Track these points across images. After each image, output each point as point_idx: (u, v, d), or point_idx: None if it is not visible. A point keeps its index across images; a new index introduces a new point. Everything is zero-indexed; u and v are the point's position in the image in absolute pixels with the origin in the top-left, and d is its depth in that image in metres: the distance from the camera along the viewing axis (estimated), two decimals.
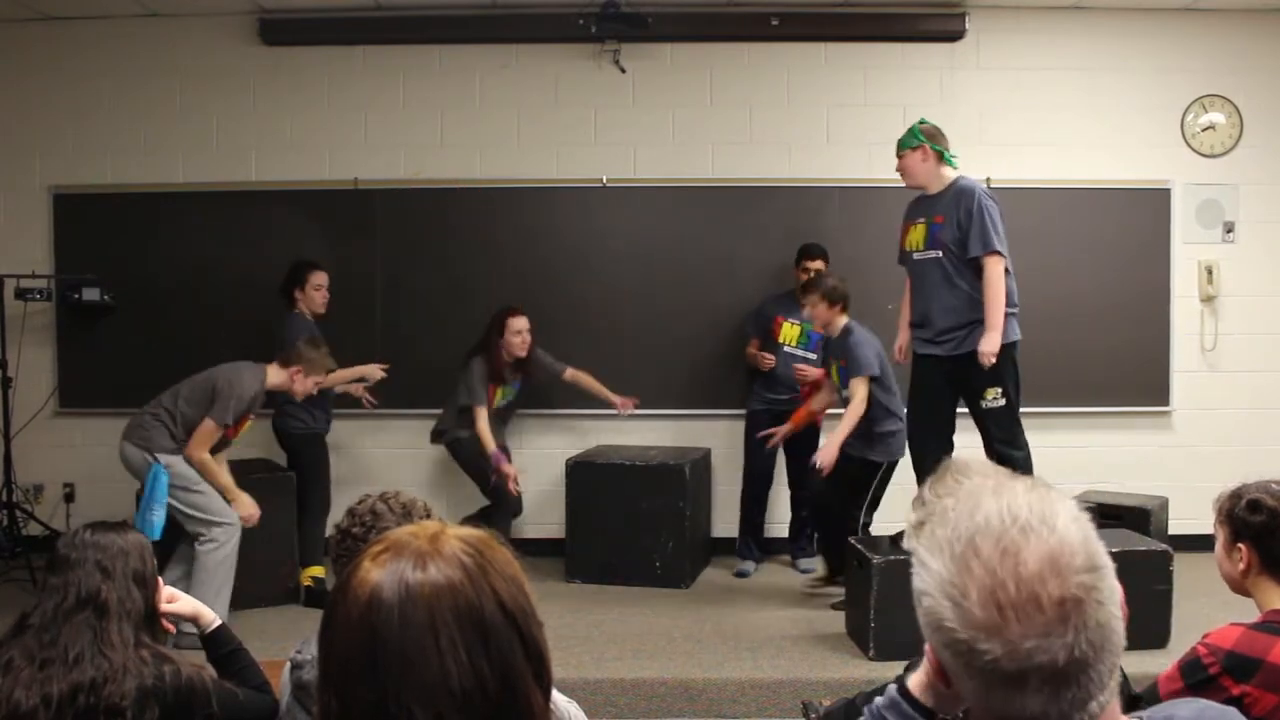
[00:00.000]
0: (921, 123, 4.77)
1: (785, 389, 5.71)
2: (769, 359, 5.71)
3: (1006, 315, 4.53)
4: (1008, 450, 4.57)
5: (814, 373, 5.45)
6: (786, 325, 5.76)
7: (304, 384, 4.93)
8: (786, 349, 5.73)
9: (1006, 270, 4.54)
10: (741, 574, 5.81)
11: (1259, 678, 2.04)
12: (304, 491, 5.48)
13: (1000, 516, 0.94)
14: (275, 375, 4.89)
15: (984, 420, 4.63)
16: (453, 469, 5.92)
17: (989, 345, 4.45)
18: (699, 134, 6.24)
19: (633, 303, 6.17)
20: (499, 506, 5.66)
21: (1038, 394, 6.12)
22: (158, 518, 4.57)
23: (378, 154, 6.23)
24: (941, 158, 4.70)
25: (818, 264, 5.66)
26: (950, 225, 4.59)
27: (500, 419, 5.83)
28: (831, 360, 5.25)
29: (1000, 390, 4.56)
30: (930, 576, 0.95)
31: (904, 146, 4.73)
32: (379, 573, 0.98)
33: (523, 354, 5.63)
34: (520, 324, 5.61)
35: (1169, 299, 6.21)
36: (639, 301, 6.16)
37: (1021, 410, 6.13)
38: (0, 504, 5.69)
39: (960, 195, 4.59)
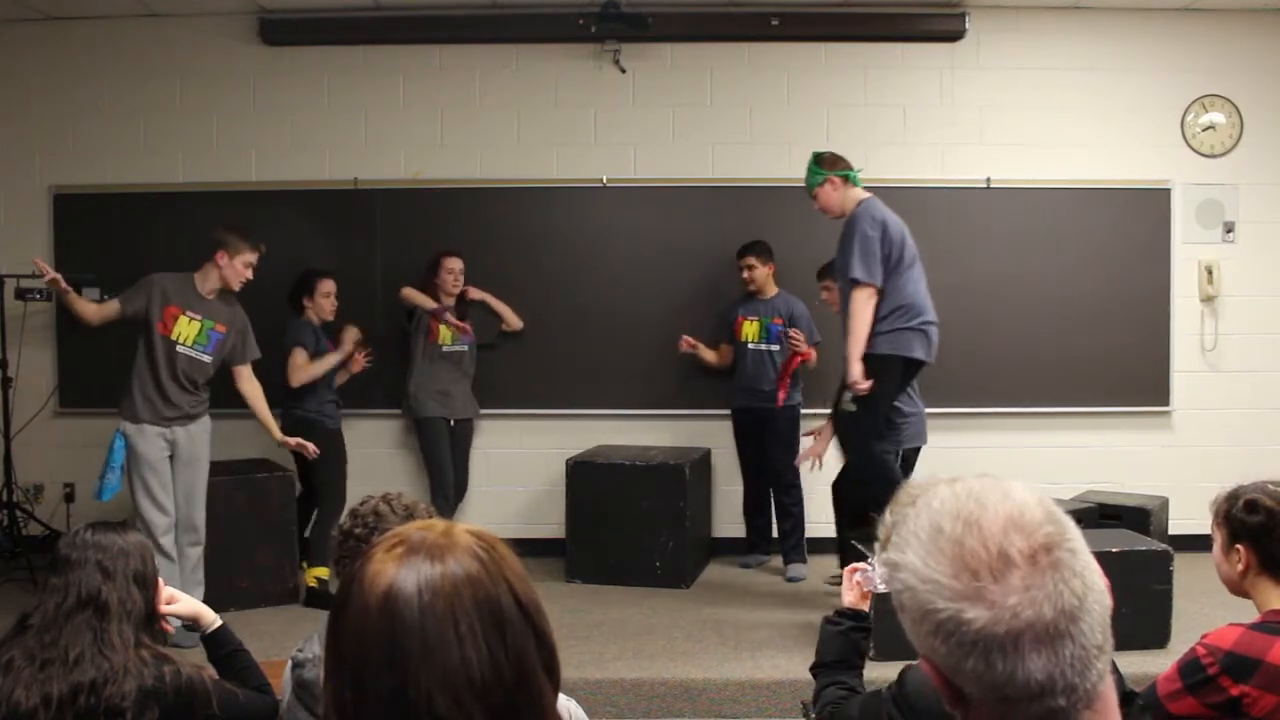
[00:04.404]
0: (817, 156, 4.86)
1: (762, 383, 5.78)
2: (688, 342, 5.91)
3: (903, 330, 4.59)
4: (856, 460, 4.74)
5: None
6: (746, 324, 5.83)
7: (232, 267, 4.78)
8: (750, 346, 5.80)
9: (881, 292, 4.58)
10: (744, 565, 5.91)
11: (1258, 678, 2.04)
12: (321, 488, 5.47)
13: (955, 497, 0.97)
14: (200, 271, 4.82)
15: (841, 424, 4.72)
16: None
17: (852, 375, 4.55)
18: (699, 134, 6.25)
19: (633, 303, 6.17)
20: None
21: (1039, 394, 6.16)
22: (108, 481, 4.68)
23: (378, 154, 6.23)
24: (847, 180, 4.78)
25: (749, 259, 5.76)
26: (839, 252, 4.71)
27: (458, 369, 5.85)
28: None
29: (852, 398, 4.62)
30: (905, 571, 0.97)
31: (813, 186, 4.82)
32: (396, 566, 0.99)
33: (453, 293, 5.77)
34: (453, 264, 5.77)
35: (1169, 299, 6.21)
36: (639, 301, 6.16)
37: (1021, 410, 6.18)
38: (0, 504, 5.69)
39: (847, 224, 4.70)
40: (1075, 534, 0.96)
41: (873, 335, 4.56)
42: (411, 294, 5.78)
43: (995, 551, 0.92)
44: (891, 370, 4.62)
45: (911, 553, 0.96)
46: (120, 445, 4.69)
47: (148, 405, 4.72)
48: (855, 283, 4.54)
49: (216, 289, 4.84)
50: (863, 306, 4.53)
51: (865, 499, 4.69)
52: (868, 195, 4.77)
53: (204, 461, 4.91)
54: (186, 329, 4.77)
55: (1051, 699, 0.92)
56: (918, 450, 5.32)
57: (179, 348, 4.76)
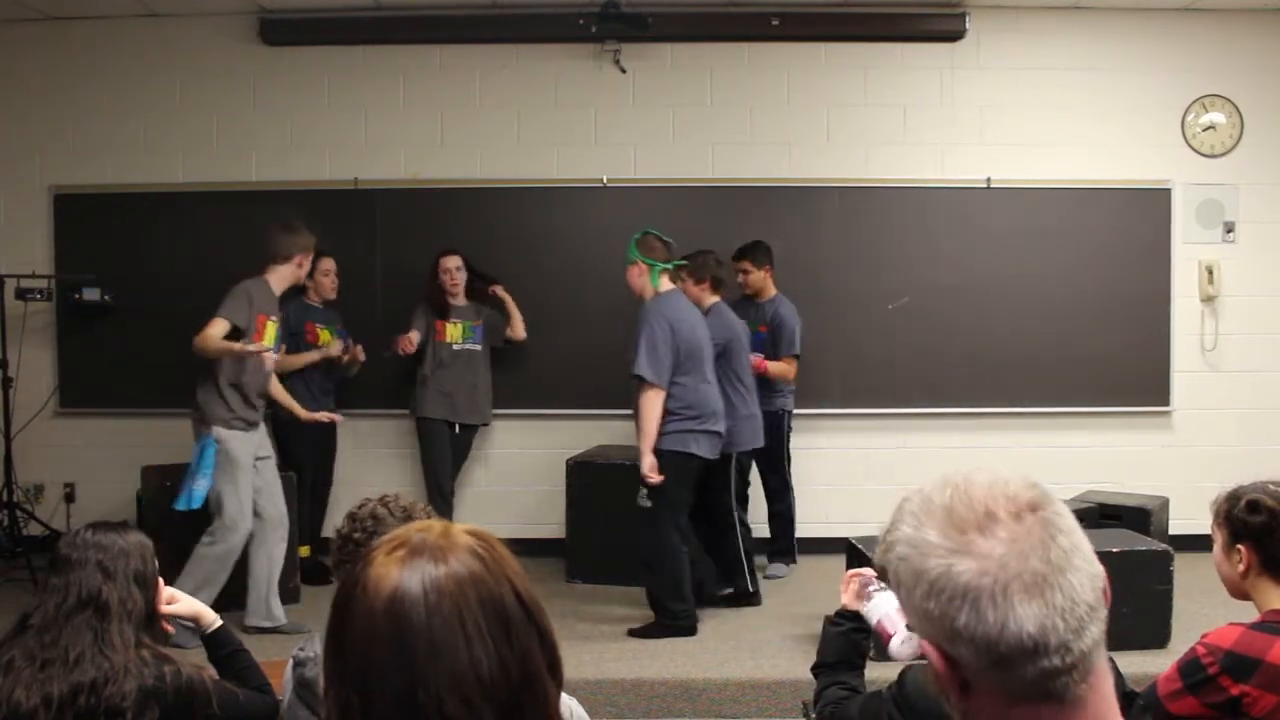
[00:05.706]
0: (640, 235, 4.85)
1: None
2: None
3: (686, 432, 4.66)
4: (645, 548, 4.73)
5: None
6: None
7: (304, 270, 4.94)
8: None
9: (676, 385, 4.63)
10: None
11: (1258, 677, 2.04)
12: (311, 470, 5.59)
13: (945, 477, 1.02)
14: (276, 274, 4.85)
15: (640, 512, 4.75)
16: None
17: (643, 468, 4.62)
18: (699, 134, 6.24)
19: (633, 303, 6.15)
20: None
21: (1039, 394, 6.16)
22: (199, 487, 4.61)
23: (378, 154, 6.23)
24: (652, 270, 4.76)
25: (743, 264, 5.68)
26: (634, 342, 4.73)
27: (466, 369, 5.83)
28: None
29: (648, 493, 4.66)
30: (899, 545, 0.99)
31: (627, 261, 4.84)
32: (399, 568, 0.98)
33: (454, 291, 5.76)
34: (449, 262, 5.76)
35: (1169, 299, 6.21)
36: (639, 301, 6.14)
37: (1021, 410, 6.18)
38: (0, 504, 5.69)
39: (640, 316, 4.73)
40: (1062, 506, 0.99)
41: (661, 432, 4.64)
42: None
43: (982, 510, 0.96)
44: (677, 466, 4.68)
45: (905, 526, 0.99)
46: (212, 451, 4.65)
47: (240, 412, 4.75)
48: (641, 381, 4.61)
49: (284, 289, 4.96)
50: (650, 404, 4.62)
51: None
52: (668, 289, 4.80)
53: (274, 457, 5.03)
54: (269, 333, 4.85)
55: (1046, 658, 0.92)
56: (752, 453, 5.32)
57: (268, 354, 4.85)
